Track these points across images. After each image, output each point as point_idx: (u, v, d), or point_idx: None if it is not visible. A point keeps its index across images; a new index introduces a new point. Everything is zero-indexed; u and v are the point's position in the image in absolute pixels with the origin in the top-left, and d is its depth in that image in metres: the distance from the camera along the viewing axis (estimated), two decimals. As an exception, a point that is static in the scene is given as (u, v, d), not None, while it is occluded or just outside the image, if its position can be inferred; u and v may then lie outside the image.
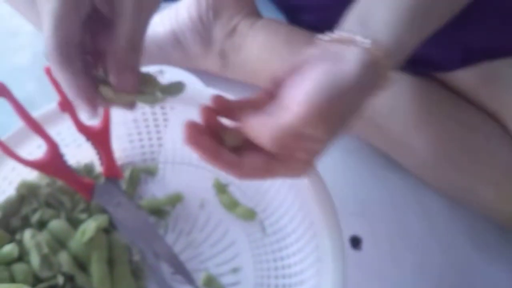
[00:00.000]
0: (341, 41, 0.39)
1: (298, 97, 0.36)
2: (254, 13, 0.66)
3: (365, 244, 0.62)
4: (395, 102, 0.59)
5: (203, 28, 0.65)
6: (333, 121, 0.37)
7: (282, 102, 0.38)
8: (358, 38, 0.38)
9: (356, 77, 0.36)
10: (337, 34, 0.39)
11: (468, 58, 0.57)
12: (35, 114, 0.49)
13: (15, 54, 0.76)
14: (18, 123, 0.48)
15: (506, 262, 0.63)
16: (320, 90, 0.36)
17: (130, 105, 0.40)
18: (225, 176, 0.58)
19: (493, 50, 0.56)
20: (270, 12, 0.73)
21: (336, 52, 0.38)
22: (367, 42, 0.37)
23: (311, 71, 0.37)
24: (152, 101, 0.41)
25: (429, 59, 0.58)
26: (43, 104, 0.64)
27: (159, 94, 0.41)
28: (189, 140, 0.39)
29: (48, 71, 0.46)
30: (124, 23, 0.36)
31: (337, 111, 0.36)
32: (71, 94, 0.38)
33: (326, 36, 0.40)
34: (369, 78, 0.37)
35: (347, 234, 0.62)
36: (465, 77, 0.58)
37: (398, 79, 0.60)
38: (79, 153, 0.54)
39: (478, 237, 0.64)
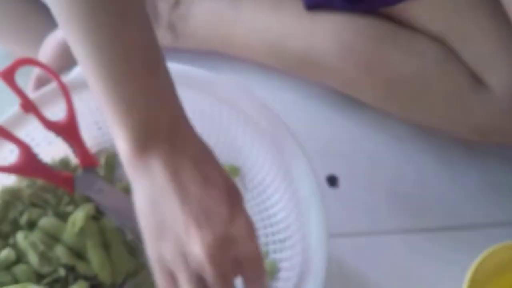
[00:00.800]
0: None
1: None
2: (196, -19, 0.66)
3: (341, 181, 0.64)
4: (345, 44, 0.61)
5: (148, 4, 0.64)
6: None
7: None
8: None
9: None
10: None
11: None
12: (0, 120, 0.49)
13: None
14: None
15: (472, 175, 0.66)
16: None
17: None
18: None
19: None
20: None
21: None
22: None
23: None
24: None
25: None
26: (2, 107, 0.63)
27: None
28: None
29: (4, 76, 0.46)
30: None
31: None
32: None
33: None
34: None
35: (324, 174, 0.64)
36: (407, 8, 0.60)
37: (342, 21, 0.61)
38: (51, 150, 0.54)
39: (446, 157, 0.67)
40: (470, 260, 0.52)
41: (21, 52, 0.70)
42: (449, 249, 0.62)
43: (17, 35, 0.70)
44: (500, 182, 0.66)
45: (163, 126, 0.36)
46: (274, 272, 0.53)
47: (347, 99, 0.68)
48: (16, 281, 0.47)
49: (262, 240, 0.55)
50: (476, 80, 0.59)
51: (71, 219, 0.49)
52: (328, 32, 0.61)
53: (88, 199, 0.52)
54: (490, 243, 0.53)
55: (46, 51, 0.60)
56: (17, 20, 0.70)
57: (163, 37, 0.67)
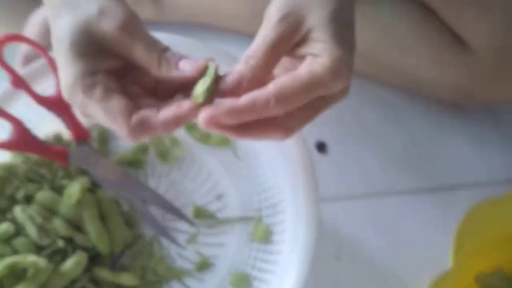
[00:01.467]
0: None
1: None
2: None
3: (330, 147, 0.65)
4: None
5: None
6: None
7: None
8: None
9: None
10: None
11: None
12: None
13: None
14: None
15: (461, 135, 0.68)
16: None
17: None
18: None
19: None
20: None
21: None
22: None
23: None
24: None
25: None
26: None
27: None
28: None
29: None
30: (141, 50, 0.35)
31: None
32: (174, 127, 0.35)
33: None
34: None
35: (312, 141, 0.65)
36: None
37: None
38: (44, 126, 0.54)
39: (434, 118, 0.68)
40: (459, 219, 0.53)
41: (5, 26, 0.69)
42: (439, 209, 0.63)
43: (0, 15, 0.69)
44: (489, 140, 0.67)
45: None
46: (267, 235, 0.54)
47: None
48: (16, 253, 0.48)
49: (255, 205, 0.56)
50: (458, 40, 0.59)
51: (66, 192, 0.50)
52: None
53: (83, 172, 0.52)
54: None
55: (32, 28, 0.60)
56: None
57: (148, 10, 0.66)
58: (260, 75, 0.34)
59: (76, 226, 0.51)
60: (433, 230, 0.62)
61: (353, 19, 0.36)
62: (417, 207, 0.63)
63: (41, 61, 0.51)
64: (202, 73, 0.35)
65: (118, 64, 0.37)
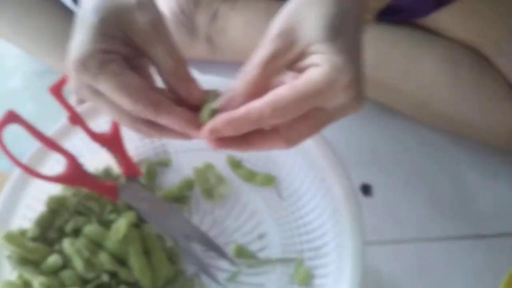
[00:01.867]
0: None
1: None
2: (232, -5, 0.67)
3: (376, 190, 0.64)
4: (382, 53, 0.61)
5: (186, 18, 0.66)
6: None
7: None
8: None
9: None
10: None
11: (441, 0, 0.58)
12: (49, 132, 0.50)
13: (6, 77, 0.76)
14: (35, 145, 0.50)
15: (508, 183, 0.65)
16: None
17: None
18: (236, 153, 0.60)
19: None
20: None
21: None
22: None
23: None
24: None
25: (404, 7, 0.59)
26: (45, 121, 0.65)
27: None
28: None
29: (52, 90, 0.47)
30: (158, 45, 0.36)
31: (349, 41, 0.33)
32: (179, 129, 0.36)
33: None
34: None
35: (357, 184, 0.64)
36: (440, 19, 0.59)
37: (381, 31, 0.61)
38: (95, 159, 0.56)
39: (482, 164, 0.66)
40: (506, 268, 0.51)
41: (61, 67, 0.72)
42: (484, 257, 0.61)
43: (56, 50, 0.72)
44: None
45: None
46: (309, 278, 0.53)
47: (381, 107, 0.68)
48: (63, 285, 0.48)
49: (297, 247, 0.55)
50: (511, 88, 0.58)
51: (114, 226, 0.51)
52: (365, 41, 0.61)
53: (130, 207, 0.53)
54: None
55: None
56: (59, 36, 0.72)
57: (202, 49, 0.68)
58: (256, 90, 0.34)
59: (121, 260, 0.51)
60: (478, 278, 0.59)
61: (357, 30, 0.34)
62: (462, 254, 0.61)
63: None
64: (204, 99, 0.37)
65: (133, 55, 0.37)
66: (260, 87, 0.35)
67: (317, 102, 0.33)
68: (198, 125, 0.36)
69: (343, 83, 0.32)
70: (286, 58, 0.34)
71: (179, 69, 0.36)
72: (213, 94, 0.37)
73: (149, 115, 0.35)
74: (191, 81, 0.37)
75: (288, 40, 0.34)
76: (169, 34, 0.36)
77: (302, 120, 0.34)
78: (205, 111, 0.36)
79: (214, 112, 0.36)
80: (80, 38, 0.35)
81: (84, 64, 0.34)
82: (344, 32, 0.33)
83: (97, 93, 0.36)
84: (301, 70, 0.34)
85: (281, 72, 0.35)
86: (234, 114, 0.34)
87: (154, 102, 0.35)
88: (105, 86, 0.34)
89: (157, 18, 0.36)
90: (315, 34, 0.33)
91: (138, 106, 0.34)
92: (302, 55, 0.34)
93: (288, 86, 0.32)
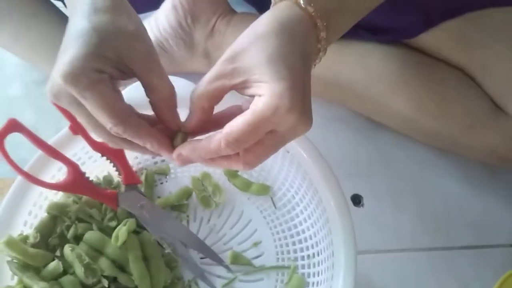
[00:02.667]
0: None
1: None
2: (229, 11, 0.68)
3: (365, 201, 0.65)
4: (370, 71, 0.62)
5: (184, 33, 0.67)
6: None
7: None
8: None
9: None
10: None
11: (429, 21, 0.60)
12: (50, 141, 0.51)
13: (6, 85, 0.76)
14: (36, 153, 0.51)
15: (495, 195, 0.67)
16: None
17: None
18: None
19: (450, 10, 0.59)
20: (242, 6, 0.75)
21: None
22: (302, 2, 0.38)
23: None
24: None
25: (393, 27, 0.61)
26: (45, 130, 0.65)
27: None
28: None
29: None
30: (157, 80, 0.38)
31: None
32: (154, 150, 0.39)
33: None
34: (305, 34, 0.38)
35: (348, 194, 0.65)
36: (429, 39, 0.61)
37: (370, 50, 0.63)
38: (96, 168, 0.57)
39: (469, 177, 0.68)
40: (493, 279, 0.52)
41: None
42: (472, 267, 0.62)
43: (54, 59, 0.72)
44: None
45: None
46: (302, 286, 0.54)
47: (372, 122, 0.69)
48: (64, 291, 0.49)
49: (291, 255, 0.56)
50: (496, 107, 0.60)
51: (114, 233, 0.51)
52: (355, 59, 0.62)
53: (129, 215, 0.53)
54: (513, 262, 0.53)
55: None
56: (55, 44, 0.72)
57: (199, 63, 0.69)
58: (205, 105, 0.38)
59: (120, 266, 0.52)
60: (466, 287, 0.60)
61: (299, 59, 0.36)
62: (450, 264, 0.62)
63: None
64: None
65: (120, 78, 0.38)
66: (208, 104, 0.38)
67: (267, 128, 0.35)
68: (171, 148, 0.40)
69: (285, 107, 0.34)
70: (230, 81, 0.37)
71: (171, 97, 0.39)
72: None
73: (128, 136, 0.38)
74: (175, 109, 0.40)
75: (232, 65, 0.36)
76: (160, 63, 0.39)
77: (258, 144, 0.36)
78: (178, 138, 0.40)
79: (186, 135, 0.40)
80: (76, 52, 0.35)
81: (75, 78, 0.35)
82: (284, 62, 0.35)
83: (78, 104, 0.37)
84: (250, 97, 0.37)
85: (226, 93, 0.38)
86: (196, 144, 0.38)
87: (136, 125, 0.37)
88: (91, 102, 0.36)
89: (152, 47, 0.38)
90: (256, 63, 0.35)
91: (120, 127, 0.37)
92: (247, 82, 0.36)
93: (240, 118, 0.35)
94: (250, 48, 0.36)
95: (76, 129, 0.51)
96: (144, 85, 0.39)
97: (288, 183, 0.58)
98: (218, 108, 0.40)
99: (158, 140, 0.39)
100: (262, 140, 0.36)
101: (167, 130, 0.40)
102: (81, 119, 0.39)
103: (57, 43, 0.72)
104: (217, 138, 0.36)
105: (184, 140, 0.40)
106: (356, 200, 0.65)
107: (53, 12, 0.71)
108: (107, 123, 0.37)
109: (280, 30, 0.36)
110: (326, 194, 0.52)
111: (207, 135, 0.38)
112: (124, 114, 0.37)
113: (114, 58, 0.36)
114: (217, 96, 0.38)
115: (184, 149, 0.39)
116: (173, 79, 0.55)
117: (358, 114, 0.70)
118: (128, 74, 0.38)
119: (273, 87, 0.34)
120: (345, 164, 0.68)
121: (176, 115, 0.40)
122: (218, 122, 0.40)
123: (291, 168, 0.56)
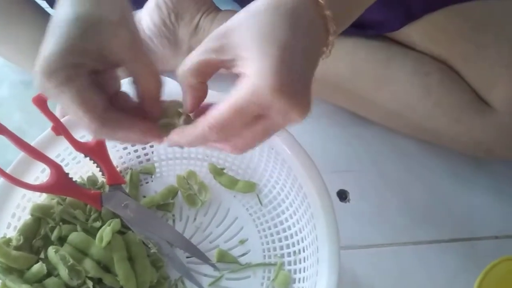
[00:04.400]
0: None
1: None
2: (213, 8, 0.67)
3: (351, 196, 0.65)
4: (356, 65, 0.62)
5: (168, 31, 0.66)
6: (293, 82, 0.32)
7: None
8: None
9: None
10: None
11: (412, 14, 0.59)
12: (33, 142, 0.50)
13: (-7, 87, 0.75)
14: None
15: (480, 188, 0.67)
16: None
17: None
18: (218, 161, 0.60)
19: (433, 2, 0.58)
20: (226, 4, 0.74)
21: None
22: None
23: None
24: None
25: (377, 21, 0.60)
26: (33, 131, 0.64)
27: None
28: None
29: (36, 101, 0.47)
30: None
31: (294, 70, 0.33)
32: (138, 139, 0.38)
33: None
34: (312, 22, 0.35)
35: (334, 190, 0.64)
36: (413, 32, 0.61)
37: (354, 45, 0.62)
38: (80, 168, 0.56)
39: (454, 170, 0.68)
40: (478, 271, 0.52)
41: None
42: (457, 260, 0.61)
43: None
44: (508, 194, 0.66)
45: None
46: (288, 282, 0.53)
47: (357, 117, 0.69)
48: (48, 293, 0.48)
49: (277, 252, 0.56)
50: (479, 99, 0.59)
51: (99, 234, 0.50)
52: (340, 55, 0.62)
53: (114, 215, 0.52)
54: (497, 254, 0.53)
55: None
56: (39, 45, 0.71)
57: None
58: (194, 85, 0.37)
59: (105, 267, 0.51)
60: (452, 280, 0.60)
61: (298, 42, 0.33)
62: (436, 257, 0.62)
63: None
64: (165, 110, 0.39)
65: (101, 69, 0.37)
66: (195, 80, 0.36)
67: (250, 111, 0.33)
68: (157, 134, 0.38)
69: (269, 88, 0.31)
70: (217, 57, 0.34)
71: (157, 87, 0.38)
72: (174, 104, 0.40)
73: (104, 134, 0.36)
74: (159, 97, 0.39)
75: (220, 41, 0.34)
76: (147, 52, 0.37)
77: (246, 128, 0.34)
78: (181, 120, 0.39)
79: (189, 117, 0.39)
80: (53, 47, 0.34)
81: (50, 74, 0.34)
82: (274, 40, 0.32)
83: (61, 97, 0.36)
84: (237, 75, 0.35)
85: (214, 69, 0.36)
86: (184, 129, 0.36)
87: (114, 120, 0.36)
88: (66, 98, 0.34)
89: (138, 36, 0.37)
90: (245, 39, 0.33)
91: (96, 123, 0.35)
92: (234, 59, 0.34)
93: (224, 102, 0.33)
94: (241, 25, 0.34)
95: (59, 129, 0.50)
96: (130, 75, 0.37)
97: (274, 180, 0.58)
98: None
99: (140, 130, 0.37)
100: (250, 125, 0.34)
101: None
102: (67, 112, 0.37)
103: (41, 44, 0.71)
104: (201, 123, 0.34)
105: (187, 122, 0.38)
106: (342, 195, 0.64)
107: (39, 13, 0.70)
108: (83, 121, 0.35)
109: (276, 8, 0.33)
110: (310, 190, 0.51)
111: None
112: (97, 110, 0.35)
113: (95, 50, 0.35)
114: (203, 71, 0.36)
115: (174, 135, 0.37)
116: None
117: (343, 109, 0.69)
118: (112, 64, 0.37)
119: (256, 65, 0.31)
120: (331, 159, 0.68)
121: (158, 106, 0.39)
122: None
123: (276, 165, 0.56)
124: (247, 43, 0.33)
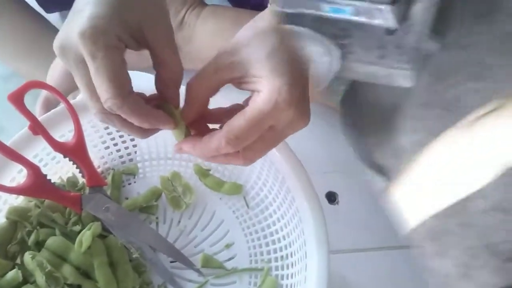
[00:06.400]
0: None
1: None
2: (199, 3, 0.65)
3: (341, 198, 0.63)
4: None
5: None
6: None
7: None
8: None
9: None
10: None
11: None
12: (8, 142, 0.47)
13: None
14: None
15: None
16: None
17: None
18: (204, 162, 0.58)
19: None
20: (213, -1, 0.72)
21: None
22: None
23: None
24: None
25: None
26: (11, 129, 0.61)
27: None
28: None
29: (13, 98, 0.45)
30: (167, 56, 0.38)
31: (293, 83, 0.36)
32: (151, 125, 0.38)
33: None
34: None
35: (323, 192, 0.63)
36: None
37: None
38: (59, 169, 0.53)
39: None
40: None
41: (27, 71, 0.69)
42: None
43: (25, 55, 0.69)
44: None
45: None
46: (276, 288, 0.51)
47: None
48: (23, 302, 0.46)
49: (265, 257, 0.54)
50: None
51: (78, 238, 0.48)
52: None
53: (95, 218, 0.50)
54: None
55: (54, 73, 0.59)
56: (26, 40, 0.69)
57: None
58: (201, 100, 0.39)
59: (85, 273, 0.49)
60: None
61: (297, 56, 0.37)
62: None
63: (61, 107, 0.50)
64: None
65: (131, 47, 0.37)
66: (205, 96, 0.39)
67: (267, 123, 0.36)
68: (171, 121, 0.39)
69: (284, 102, 0.34)
70: (229, 75, 0.37)
71: (179, 75, 0.39)
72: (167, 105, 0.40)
73: (123, 113, 0.36)
74: (179, 88, 0.40)
75: (231, 58, 0.37)
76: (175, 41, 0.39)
77: (258, 140, 0.37)
78: (179, 130, 0.40)
79: (188, 128, 0.40)
80: (100, 10, 0.34)
81: (94, 36, 0.33)
82: (283, 57, 0.35)
83: (83, 65, 0.35)
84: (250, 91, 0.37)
85: (223, 85, 0.38)
86: (197, 141, 0.38)
87: (133, 102, 0.36)
88: (98, 66, 0.34)
89: (171, 24, 0.38)
90: (256, 58, 0.36)
91: (117, 101, 0.35)
92: (245, 76, 0.36)
93: (240, 115, 0.35)
94: (250, 43, 0.36)
95: (37, 129, 0.47)
96: (156, 60, 0.38)
97: (261, 182, 0.56)
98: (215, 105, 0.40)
99: (156, 117, 0.38)
100: (263, 136, 0.36)
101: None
102: (80, 83, 0.37)
103: (25, 38, 0.69)
104: (217, 136, 0.36)
105: (187, 134, 0.40)
106: (331, 197, 0.63)
107: (22, 6, 0.68)
108: (105, 94, 0.35)
109: (281, 26, 0.37)
110: (298, 193, 0.49)
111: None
112: (125, 89, 0.35)
113: (134, 27, 0.36)
114: (214, 88, 0.38)
115: (184, 145, 0.39)
116: (140, 75, 0.53)
117: (332, 108, 0.68)
118: (141, 45, 0.37)
119: (272, 82, 0.35)
120: (321, 161, 0.66)
121: (179, 94, 0.40)
122: (218, 117, 0.40)
123: (263, 166, 0.54)
124: (258, 61, 0.35)
